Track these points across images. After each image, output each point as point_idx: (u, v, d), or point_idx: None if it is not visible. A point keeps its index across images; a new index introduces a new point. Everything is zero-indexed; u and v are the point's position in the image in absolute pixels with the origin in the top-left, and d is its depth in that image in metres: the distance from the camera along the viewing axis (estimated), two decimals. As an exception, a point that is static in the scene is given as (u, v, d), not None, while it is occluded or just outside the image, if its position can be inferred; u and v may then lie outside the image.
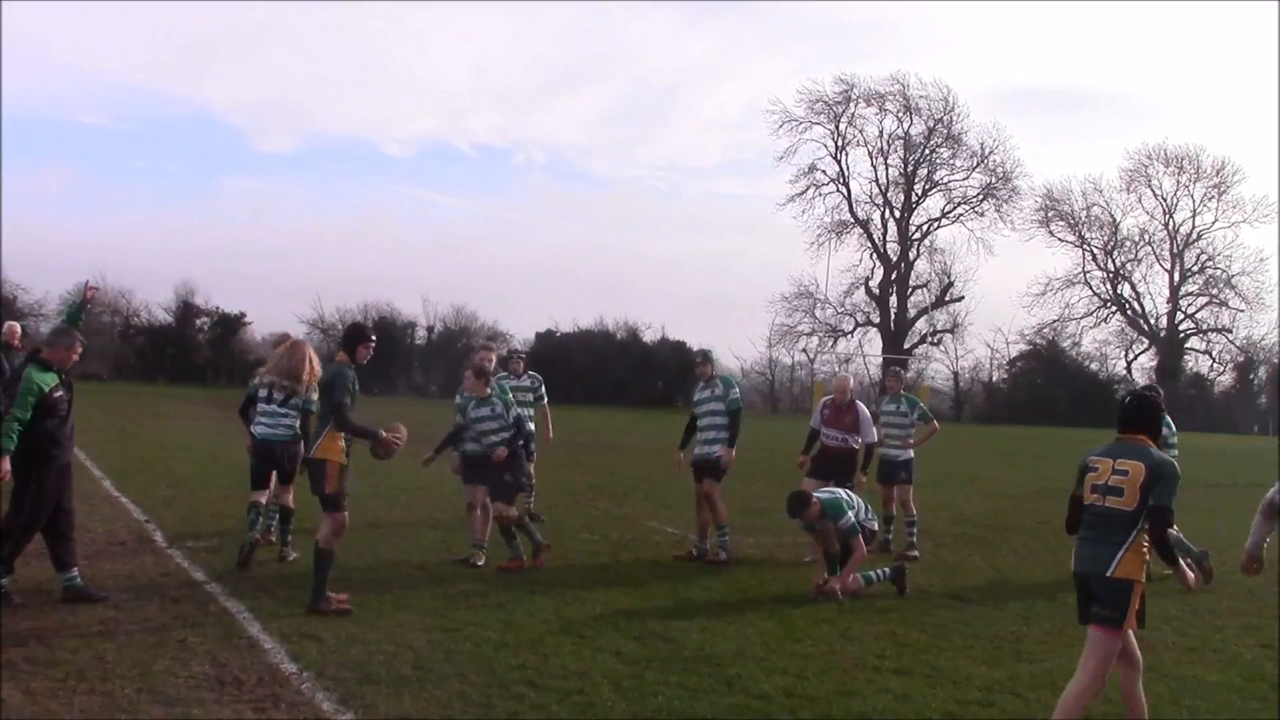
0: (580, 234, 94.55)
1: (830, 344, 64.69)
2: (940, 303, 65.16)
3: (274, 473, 8.87)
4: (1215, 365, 67.62)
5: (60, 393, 7.04)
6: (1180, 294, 67.34)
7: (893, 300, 64.79)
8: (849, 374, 16.41)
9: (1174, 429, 9.45)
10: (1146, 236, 68.07)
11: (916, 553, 10.56)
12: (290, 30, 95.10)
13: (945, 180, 65.46)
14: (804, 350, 65.32)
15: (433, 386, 55.13)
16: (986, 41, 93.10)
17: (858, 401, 10.46)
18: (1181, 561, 5.10)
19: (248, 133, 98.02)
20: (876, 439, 10.57)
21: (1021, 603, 8.57)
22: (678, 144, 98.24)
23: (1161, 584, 7.56)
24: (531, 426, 11.04)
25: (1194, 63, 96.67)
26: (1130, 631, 4.95)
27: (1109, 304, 68.30)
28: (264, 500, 8.86)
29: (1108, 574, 4.80)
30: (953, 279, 64.66)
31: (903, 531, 10.94)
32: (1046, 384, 63.69)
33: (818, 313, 64.12)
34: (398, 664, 5.99)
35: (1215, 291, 66.82)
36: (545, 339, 56.39)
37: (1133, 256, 68.48)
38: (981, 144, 64.16)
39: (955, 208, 65.31)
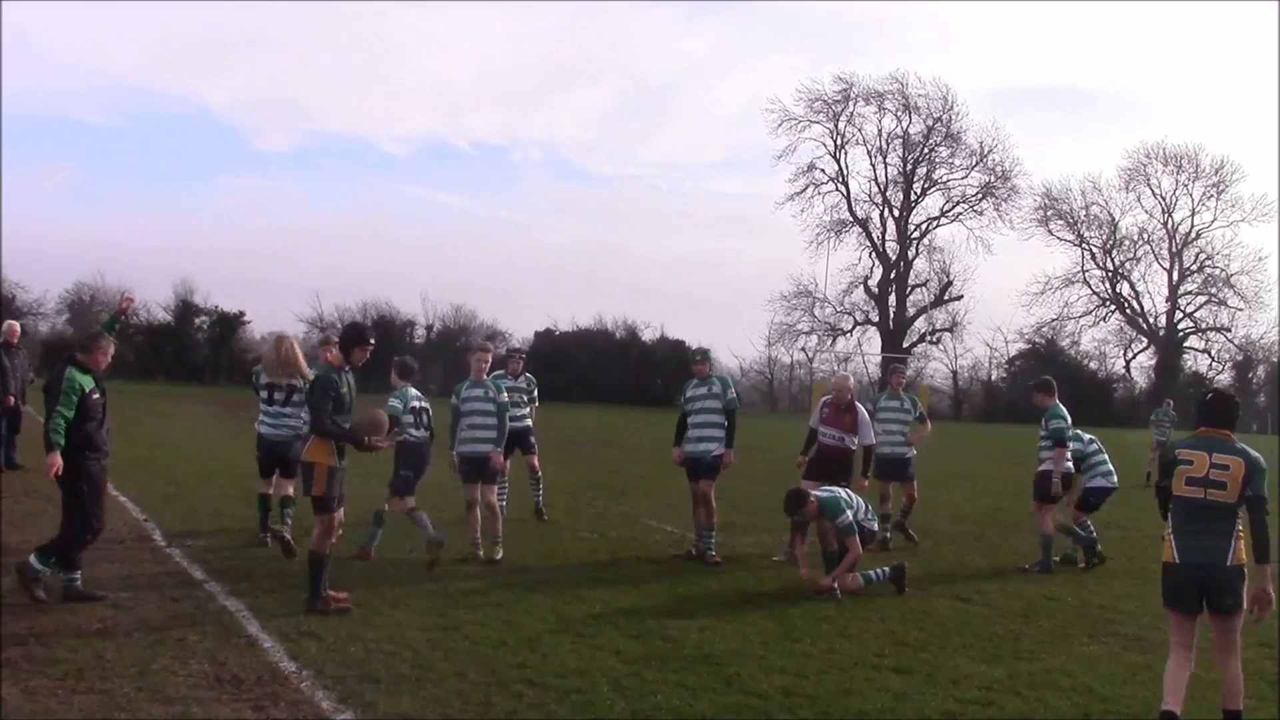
0: (579, 232, 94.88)
1: (829, 343, 64.64)
2: (939, 301, 65.08)
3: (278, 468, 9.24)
4: (1214, 364, 67.56)
5: (97, 395, 7.08)
6: (1179, 293, 67.24)
7: (892, 299, 64.66)
8: (849, 374, 16.35)
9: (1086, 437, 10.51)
10: (1145, 235, 68.02)
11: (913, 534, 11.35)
12: (288, 29, 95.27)
13: (944, 179, 65.30)
14: (803, 349, 65.27)
15: (431, 385, 55.05)
16: (985, 40, 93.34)
17: (857, 403, 10.47)
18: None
19: (247, 131, 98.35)
20: (874, 441, 10.59)
21: (1021, 601, 8.57)
22: (676, 142, 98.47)
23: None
24: (529, 423, 11.70)
25: (1193, 62, 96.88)
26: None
27: (1108, 303, 68.25)
28: (270, 491, 9.28)
29: (1228, 563, 5.24)
30: (952, 278, 64.58)
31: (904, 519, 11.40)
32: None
33: (817, 311, 64.02)
34: (397, 662, 5.99)
35: (1214, 290, 66.74)
36: (544, 337, 56.35)
37: (1131, 255, 68.42)
38: (980, 143, 64.03)
39: (954, 206, 65.16)
